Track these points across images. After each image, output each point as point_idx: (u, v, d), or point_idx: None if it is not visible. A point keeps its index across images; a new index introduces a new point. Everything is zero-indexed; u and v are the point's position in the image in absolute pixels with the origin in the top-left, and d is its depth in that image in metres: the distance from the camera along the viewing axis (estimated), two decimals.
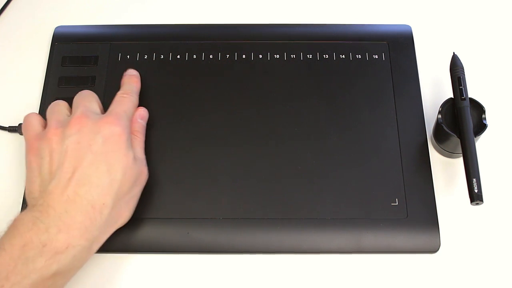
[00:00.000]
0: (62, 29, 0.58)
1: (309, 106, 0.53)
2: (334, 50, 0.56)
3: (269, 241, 0.48)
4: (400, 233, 0.48)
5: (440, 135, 0.51)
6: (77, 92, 0.50)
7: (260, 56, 0.56)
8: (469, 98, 0.49)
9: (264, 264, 0.48)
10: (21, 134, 0.52)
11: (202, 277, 0.48)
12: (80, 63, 0.56)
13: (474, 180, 0.45)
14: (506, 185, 0.51)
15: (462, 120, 0.48)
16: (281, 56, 0.56)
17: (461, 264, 0.48)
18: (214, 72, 0.55)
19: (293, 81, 0.54)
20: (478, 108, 0.49)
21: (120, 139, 0.45)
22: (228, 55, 0.56)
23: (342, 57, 0.56)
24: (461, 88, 0.49)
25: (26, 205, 0.48)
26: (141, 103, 0.52)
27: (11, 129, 0.53)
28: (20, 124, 0.52)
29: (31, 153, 0.46)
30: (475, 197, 0.45)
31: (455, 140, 0.49)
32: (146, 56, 0.56)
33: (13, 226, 0.41)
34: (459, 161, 0.51)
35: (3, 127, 0.53)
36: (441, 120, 0.49)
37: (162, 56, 0.56)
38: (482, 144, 0.52)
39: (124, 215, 0.46)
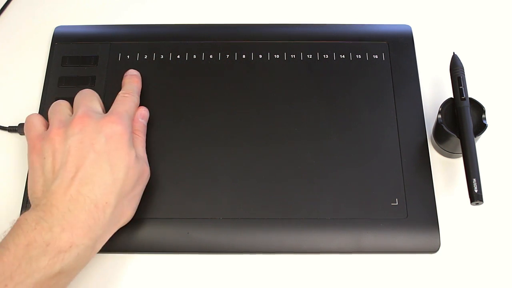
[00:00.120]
0: (62, 29, 0.58)
1: (309, 106, 0.53)
2: (334, 50, 0.56)
3: (269, 241, 0.48)
4: (400, 233, 0.48)
5: (440, 135, 0.51)
6: (77, 92, 0.50)
7: (260, 56, 0.56)
8: (469, 98, 0.49)
9: (264, 264, 0.48)
10: (21, 134, 0.52)
11: (202, 277, 0.48)
12: (80, 63, 0.56)
13: (474, 180, 0.45)
14: (506, 185, 0.51)
15: (462, 120, 0.48)
16: (281, 56, 0.56)
17: (461, 264, 0.48)
18: (214, 72, 0.55)
19: (293, 81, 0.54)
20: (478, 108, 0.49)
21: (122, 138, 0.45)
22: (228, 55, 0.56)
23: (342, 57, 0.56)
24: (461, 88, 0.49)
25: (27, 205, 0.48)
26: (141, 103, 0.52)
27: (11, 129, 0.53)
28: (20, 124, 0.52)
29: (34, 153, 0.46)
30: (475, 197, 0.45)
31: (455, 140, 0.49)
32: (146, 56, 0.56)
33: (17, 226, 0.41)
34: (459, 161, 0.51)
35: (3, 127, 0.53)
36: (441, 120, 0.49)
37: (162, 56, 0.56)
38: (482, 144, 0.52)
39: (127, 214, 0.46)
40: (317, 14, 0.60)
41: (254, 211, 0.49)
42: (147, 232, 0.48)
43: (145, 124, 0.51)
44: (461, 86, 0.49)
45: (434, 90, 0.56)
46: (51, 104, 0.50)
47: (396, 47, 0.56)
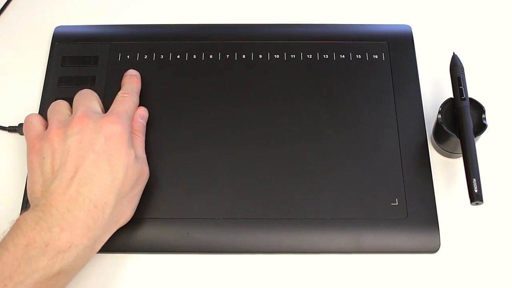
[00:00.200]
0: (62, 29, 0.58)
1: (309, 106, 0.53)
2: (334, 50, 0.56)
3: (269, 241, 0.48)
4: (400, 233, 0.48)
5: (440, 135, 0.51)
6: (77, 92, 0.50)
7: (260, 56, 0.56)
8: (469, 98, 0.49)
9: (264, 264, 0.48)
10: (21, 134, 0.52)
11: (202, 277, 0.48)
12: (80, 63, 0.56)
13: (474, 180, 0.45)
14: (506, 185, 0.51)
15: (462, 120, 0.48)
16: (281, 56, 0.56)
17: (461, 264, 0.48)
18: (214, 72, 0.55)
19: (293, 81, 0.54)
20: (478, 108, 0.49)
21: (122, 138, 0.45)
22: (228, 55, 0.56)
23: (342, 57, 0.56)
24: (461, 88, 0.49)
25: (27, 205, 0.48)
26: (141, 103, 0.52)
27: (11, 129, 0.53)
28: (20, 124, 0.52)
29: (33, 153, 0.46)
30: (475, 197, 0.45)
31: (455, 140, 0.49)
32: (146, 56, 0.56)
33: (16, 226, 0.41)
34: (459, 161, 0.51)
35: (3, 127, 0.53)
36: (441, 120, 0.49)
37: (162, 56, 0.56)
38: (482, 144, 0.52)
39: (126, 214, 0.46)
40: (317, 14, 0.60)
41: (254, 211, 0.49)
42: (146, 232, 0.48)
43: (145, 124, 0.51)
44: (461, 86, 0.49)
45: (434, 90, 0.56)
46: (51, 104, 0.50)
47: (396, 47, 0.56)
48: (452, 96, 0.50)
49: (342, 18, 0.60)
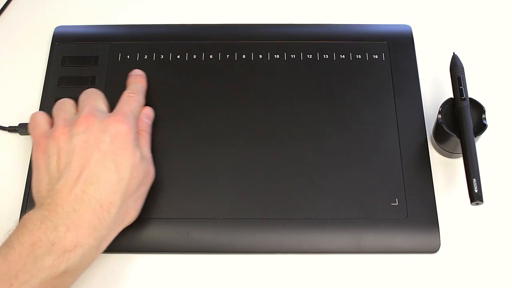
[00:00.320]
0: (62, 29, 0.58)
1: (309, 106, 0.53)
2: (334, 50, 0.56)
3: (269, 241, 0.48)
4: (400, 233, 0.48)
5: (440, 135, 0.51)
6: (77, 92, 0.50)
7: (260, 56, 0.56)
8: (469, 98, 0.49)
9: (264, 264, 0.48)
10: (21, 134, 0.52)
11: (202, 277, 0.48)
12: (80, 63, 0.56)
13: (474, 180, 0.45)
14: (506, 185, 0.51)
15: (462, 120, 0.48)
16: (281, 56, 0.56)
17: (461, 264, 0.48)
18: (214, 72, 0.55)
19: (293, 81, 0.54)
20: (478, 108, 0.49)
21: (128, 138, 0.45)
22: (228, 55, 0.56)
23: (342, 57, 0.56)
24: (461, 88, 0.49)
25: (27, 206, 0.48)
26: None
27: (11, 129, 0.53)
28: (20, 124, 0.52)
29: (39, 151, 0.46)
30: (475, 197, 0.45)
31: (455, 140, 0.49)
32: (146, 56, 0.56)
33: (22, 224, 0.41)
34: (459, 161, 0.51)
35: (3, 127, 0.53)
36: (441, 120, 0.49)
37: (162, 56, 0.56)
38: (482, 144, 0.52)
39: (131, 214, 0.46)
40: (317, 14, 0.60)
41: (254, 211, 0.49)
42: (147, 232, 0.48)
43: (150, 124, 0.51)
44: (461, 86, 0.49)
45: (434, 90, 0.56)
46: (51, 104, 0.50)
47: (396, 47, 0.56)
48: (452, 96, 0.50)
49: (342, 18, 0.60)
